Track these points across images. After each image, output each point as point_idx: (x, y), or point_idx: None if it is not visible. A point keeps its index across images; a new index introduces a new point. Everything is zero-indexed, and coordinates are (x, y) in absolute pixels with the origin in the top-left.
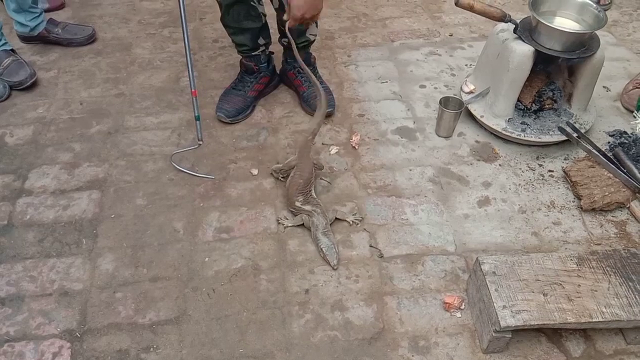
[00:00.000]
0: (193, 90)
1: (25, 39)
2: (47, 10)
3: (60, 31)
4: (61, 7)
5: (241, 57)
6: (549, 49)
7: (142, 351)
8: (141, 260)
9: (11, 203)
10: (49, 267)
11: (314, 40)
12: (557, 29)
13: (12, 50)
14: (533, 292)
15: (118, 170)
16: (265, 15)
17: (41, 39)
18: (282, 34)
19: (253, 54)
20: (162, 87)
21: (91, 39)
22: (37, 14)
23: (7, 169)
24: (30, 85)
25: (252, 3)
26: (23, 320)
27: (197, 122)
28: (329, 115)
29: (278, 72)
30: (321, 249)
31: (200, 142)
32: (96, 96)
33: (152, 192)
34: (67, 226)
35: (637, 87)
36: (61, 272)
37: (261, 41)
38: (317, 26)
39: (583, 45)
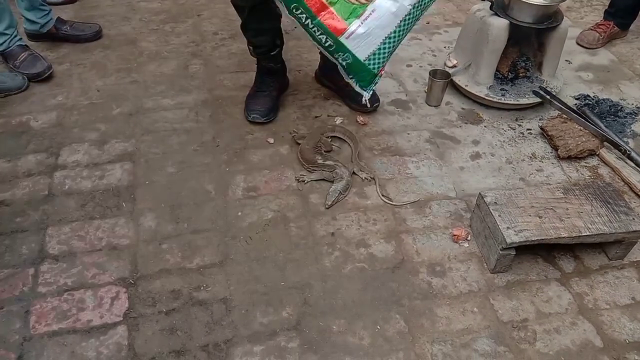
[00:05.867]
0: None
1: (34, 36)
2: (62, 4)
3: (68, 28)
4: (75, 0)
5: (259, 60)
6: (521, 21)
7: (194, 290)
8: (180, 216)
9: (49, 176)
10: (94, 227)
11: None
12: (528, 3)
13: (26, 45)
14: (530, 215)
15: (145, 145)
16: (281, 16)
17: (49, 37)
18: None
19: (271, 54)
20: (173, 74)
21: (98, 35)
22: (47, 12)
23: (38, 148)
24: (47, 77)
25: (272, 4)
26: (78, 272)
27: None
28: (374, 110)
29: (314, 74)
30: (329, 191)
31: None
32: (111, 84)
33: (180, 161)
34: (106, 193)
35: (591, 29)
36: (107, 230)
37: (278, 41)
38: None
39: (550, 18)
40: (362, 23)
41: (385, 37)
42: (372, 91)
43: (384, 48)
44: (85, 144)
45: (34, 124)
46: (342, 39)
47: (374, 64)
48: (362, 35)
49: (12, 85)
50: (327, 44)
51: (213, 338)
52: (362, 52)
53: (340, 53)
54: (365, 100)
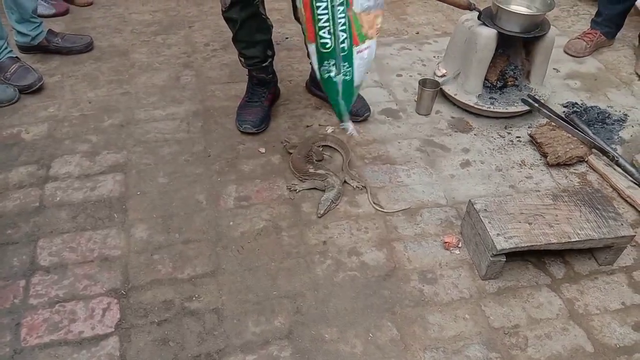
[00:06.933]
0: None
1: (25, 49)
2: (53, 16)
3: (60, 40)
4: (66, 12)
5: (250, 71)
6: (509, 31)
7: (186, 300)
8: (172, 227)
9: (40, 188)
10: (86, 239)
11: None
12: (516, 13)
13: (17, 57)
14: (520, 222)
15: (136, 156)
16: (272, 27)
17: (41, 49)
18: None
19: (263, 65)
20: (165, 85)
21: (89, 47)
22: (38, 24)
23: (29, 160)
24: (38, 89)
25: (262, 16)
26: (69, 284)
27: None
28: (365, 119)
29: (305, 84)
30: (320, 199)
31: None
32: (103, 95)
33: (172, 172)
34: (97, 204)
35: (578, 38)
36: (98, 242)
37: (269, 52)
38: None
39: (537, 27)
40: (366, 48)
41: (363, 75)
42: (349, 125)
43: (358, 86)
44: (77, 155)
45: (25, 135)
46: (355, 50)
47: (354, 96)
48: (363, 60)
49: (3, 97)
50: (342, 45)
51: (205, 348)
52: (357, 76)
53: (346, 63)
54: (352, 131)
